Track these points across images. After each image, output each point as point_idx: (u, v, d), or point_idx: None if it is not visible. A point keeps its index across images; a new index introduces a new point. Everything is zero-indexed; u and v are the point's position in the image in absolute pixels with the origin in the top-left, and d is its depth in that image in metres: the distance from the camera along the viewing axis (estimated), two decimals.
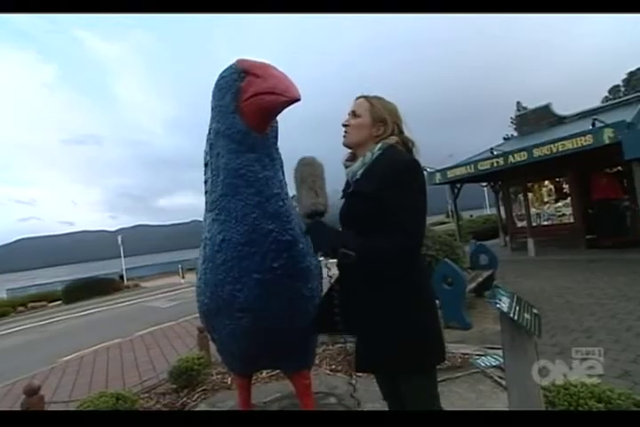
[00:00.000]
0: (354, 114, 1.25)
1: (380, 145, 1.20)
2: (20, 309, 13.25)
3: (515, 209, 10.36)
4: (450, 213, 25.93)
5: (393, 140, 1.21)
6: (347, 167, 1.28)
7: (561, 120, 10.66)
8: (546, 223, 9.47)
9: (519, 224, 10.09)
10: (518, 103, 29.66)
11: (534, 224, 9.36)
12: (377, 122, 1.22)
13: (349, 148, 1.29)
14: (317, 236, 1.11)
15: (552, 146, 7.19)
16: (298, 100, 1.25)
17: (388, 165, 1.13)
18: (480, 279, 4.71)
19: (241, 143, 1.39)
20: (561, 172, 8.74)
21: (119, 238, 18.85)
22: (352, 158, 1.29)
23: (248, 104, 1.33)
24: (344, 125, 1.27)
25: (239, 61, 1.38)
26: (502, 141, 15.66)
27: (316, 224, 1.12)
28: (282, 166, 1.53)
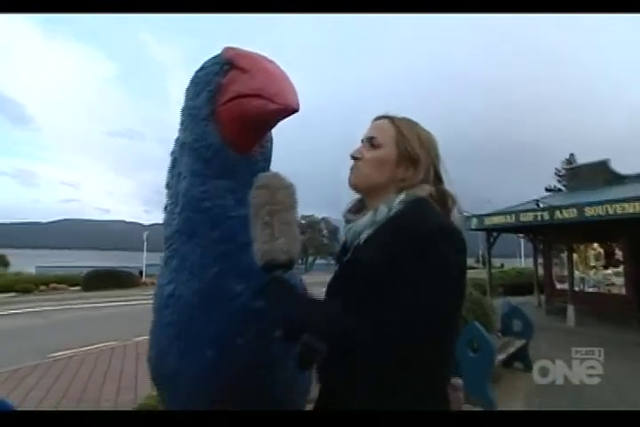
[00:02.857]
0: (371, 143, 0.82)
1: (403, 196, 0.76)
2: (42, 287, 13.58)
3: (555, 269, 9.48)
4: (480, 259, 24.65)
5: (425, 190, 0.77)
6: (348, 222, 0.84)
7: (620, 179, 9.85)
8: (591, 290, 8.51)
9: (558, 286, 9.15)
10: (571, 155, 28.58)
11: (577, 289, 8.46)
12: (405, 159, 0.80)
13: (357, 191, 0.86)
14: (272, 305, 0.69)
15: (608, 206, 6.48)
16: (295, 110, 0.85)
17: (411, 231, 0.70)
18: (511, 349, 4.07)
19: (210, 163, 0.96)
20: (614, 236, 7.89)
21: (144, 234, 19.37)
22: (357, 209, 0.86)
23: (226, 109, 0.92)
24: (354, 158, 0.83)
25: (225, 50, 0.98)
26: (545, 193, 14.78)
27: (273, 284, 0.68)
28: None
